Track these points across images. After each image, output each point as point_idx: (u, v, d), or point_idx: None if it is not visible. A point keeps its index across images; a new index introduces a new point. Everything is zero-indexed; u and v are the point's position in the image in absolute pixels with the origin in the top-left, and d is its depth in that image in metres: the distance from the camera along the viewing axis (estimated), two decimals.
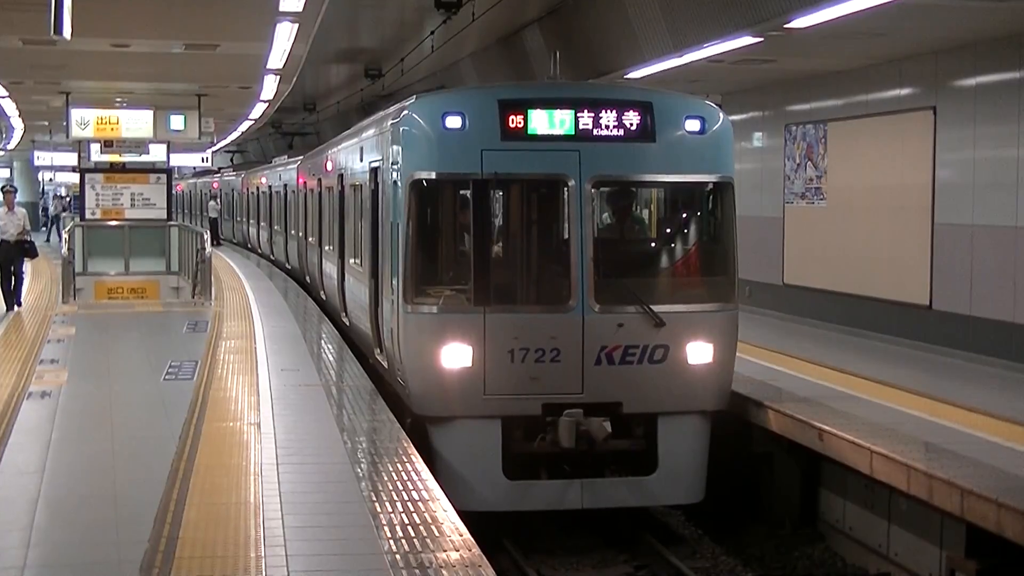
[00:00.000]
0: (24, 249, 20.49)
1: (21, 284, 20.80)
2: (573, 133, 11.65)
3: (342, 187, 17.84)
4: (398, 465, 9.36)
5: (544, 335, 11.44)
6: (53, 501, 8.46)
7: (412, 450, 9.86)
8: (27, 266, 21.21)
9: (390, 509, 8.12)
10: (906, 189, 16.39)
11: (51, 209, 53.56)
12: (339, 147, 18.70)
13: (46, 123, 34.87)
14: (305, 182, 24.86)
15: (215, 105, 26.09)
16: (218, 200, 47.12)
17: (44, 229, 51.02)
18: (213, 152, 47.97)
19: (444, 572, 6.80)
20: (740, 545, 12.20)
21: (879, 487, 10.72)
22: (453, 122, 11.54)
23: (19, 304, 20.40)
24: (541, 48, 21.23)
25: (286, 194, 29.54)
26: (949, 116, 15.50)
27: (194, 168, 53.24)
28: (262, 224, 36.36)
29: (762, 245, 19.93)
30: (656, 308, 11.58)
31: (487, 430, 11.46)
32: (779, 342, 16.25)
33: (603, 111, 11.67)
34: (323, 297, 21.24)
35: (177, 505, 8.16)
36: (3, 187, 20.83)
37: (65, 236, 23.77)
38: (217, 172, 51.45)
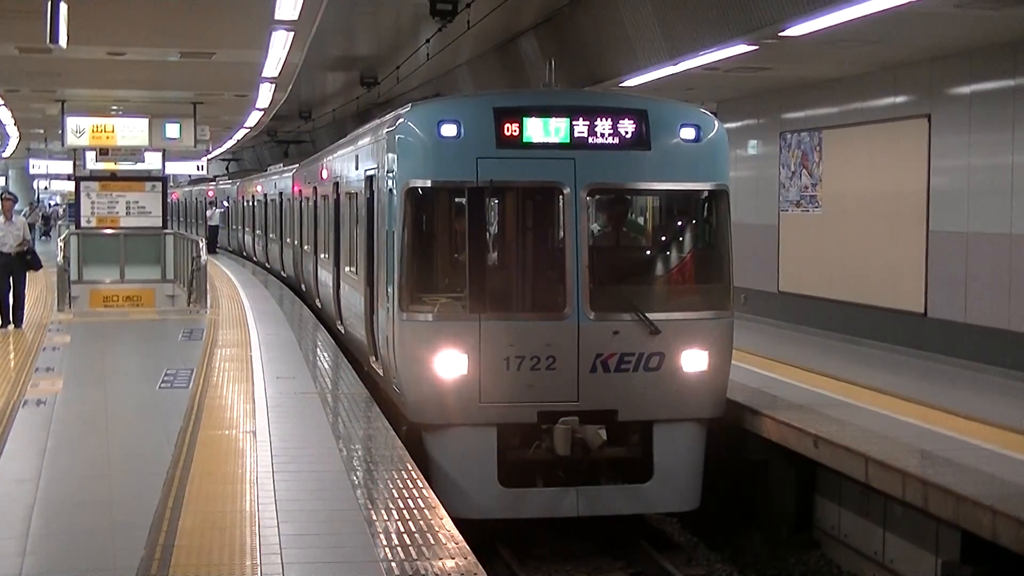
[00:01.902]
0: (26, 261, 18.86)
1: (22, 302, 18.97)
2: (568, 141, 11.66)
3: (337, 195, 17.85)
4: (394, 473, 9.36)
5: (539, 343, 11.44)
6: (49, 509, 8.46)
7: (408, 458, 9.86)
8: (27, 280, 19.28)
9: (386, 517, 8.12)
10: (901, 196, 16.41)
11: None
12: (334, 155, 18.71)
13: (42, 131, 34.97)
14: (300, 190, 24.88)
15: (211, 113, 26.13)
16: (216, 207, 47.12)
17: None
18: (209, 160, 47.97)
19: None
20: (736, 552, 12.20)
21: (874, 494, 10.72)
22: (448, 130, 11.55)
23: (19, 324, 18.72)
24: (537, 55, 21.26)
25: (281, 202, 29.57)
26: (944, 123, 15.52)
27: (189, 176, 53.25)
28: (257, 232, 36.37)
29: (757, 253, 19.95)
30: (651, 316, 11.58)
31: (483, 438, 11.45)
32: (774, 349, 16.27)
33: (598, 119, 11.68)
34: (318, 305, 21.24)
35: (173, 513, 8.16)
36: (1, 194, 19.32)
37: (60, 244, 23.68)
38: (212, 180, 51.46)
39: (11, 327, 18.65)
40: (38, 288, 25.98)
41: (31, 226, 48.66)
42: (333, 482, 9.08)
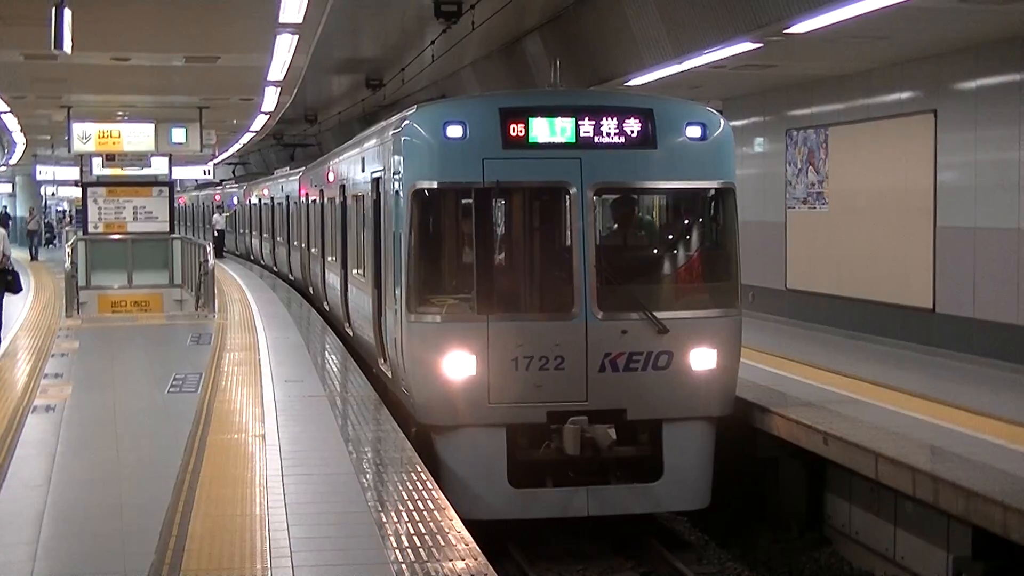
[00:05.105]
0: (7, 281, 16.59)
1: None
2: (574, 141, 11.65)
3: (344, 198, 17.86)
4: (403, 475, 9.36)
5: (548, 343, 11.43)
6: (59, 514, 8.46)
7: (417, 460, 9.87)
8: (10, 302, 17.03)
9: (396, 519, 8.12)
10: (908, 192, 16.39)
11: None
12: (341, 158, 18.72)
13: (48, 137, 34.97)
14: (307, 193, 24.90)
15: (216, 117, 26.16)
16: (221, 212, 47.16)
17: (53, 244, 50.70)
18: (215, 164, 48.05)
19: None
20: (746, 550, 12.19)
21: (885, 490, 10.70)
22: (454, 131, 11.55)
23: None
24: (542, 56, 21.24)
25: (288, 205, 29.60)
26: (950, 119, 15.50)
27: (196, 181, 53.30)
28: (265, 236, 36.40)
29: (765, 250, 19.93)
30: (659, 315, 11.57)
31: (492, 438, 11.45)
32: (783, 347, 16.24)
33: (604, 118, 11.67)
34: (326, 308, 21.25)
35: (183, 517, 8.16)
36: None
37: (68, 250, 23.73)
38: (219, 184, 51.51)
39: None
40: (46, 295, 26.05)
41: (31, 234, 48.51)
42: (343, 485, 9.08)
